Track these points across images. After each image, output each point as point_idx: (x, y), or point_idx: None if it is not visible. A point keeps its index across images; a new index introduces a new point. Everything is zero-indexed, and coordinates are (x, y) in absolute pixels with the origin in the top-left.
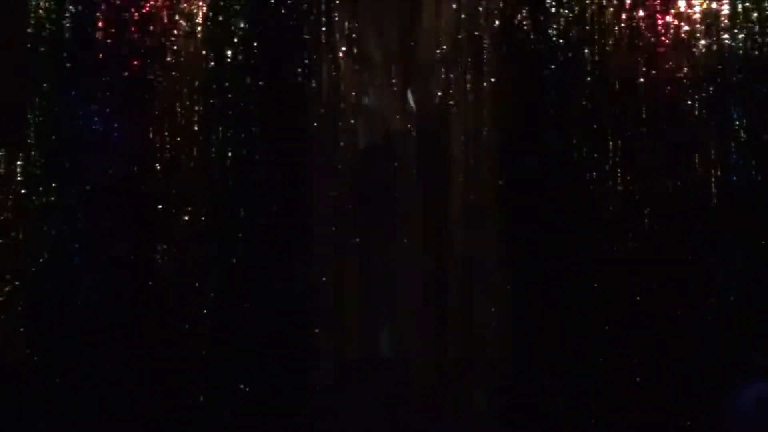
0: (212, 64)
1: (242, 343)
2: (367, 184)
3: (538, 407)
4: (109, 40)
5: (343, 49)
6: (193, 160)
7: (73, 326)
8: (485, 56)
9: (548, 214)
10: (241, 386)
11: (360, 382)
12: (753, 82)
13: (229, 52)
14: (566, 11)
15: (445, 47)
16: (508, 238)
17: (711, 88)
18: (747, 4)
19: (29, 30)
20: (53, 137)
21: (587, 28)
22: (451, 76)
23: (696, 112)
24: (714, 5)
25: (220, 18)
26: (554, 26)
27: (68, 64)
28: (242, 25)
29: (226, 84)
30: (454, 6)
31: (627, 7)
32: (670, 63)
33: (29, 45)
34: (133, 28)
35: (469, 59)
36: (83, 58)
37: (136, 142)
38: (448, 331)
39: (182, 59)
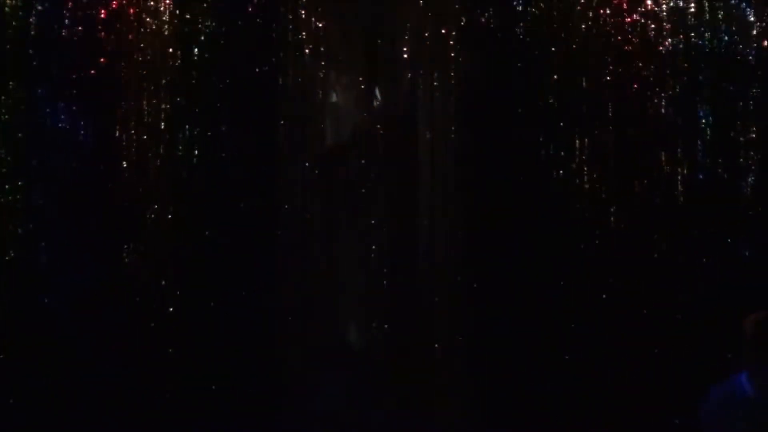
0: (179, 62)
1: (210, 341)
2: (334, 181)
3: (501, 403)
4: (75, 38)
5: (310, 47)
6: (159, 158)
7: (39, 324)
8: (452, 54)
9: (515, 211)
10: (208, 383)
11: (328, 381)
12: (719, 80)
13: (196, 50)
14: (533, 9)
15: (411, 45)
16: (475, 235)
17: (677, 87)
18: (713, 3)
19: None
20: (19, 135)
21: (554, 26)
22: (418, 74)
23: (663, 111)
24: (681, 4)
25: (187, 16)
26: (521, 24)
27: (34, 63)
28: (209, 23)
29: (193, 82)
30: (420, 4)
31: (594, 5)
32: (637, 61)
33: None
34: (99, 26)
35: (436, 57)
36: (50, 56)
37: (103, 140)
38: (414, 326)
39: (149, 57)
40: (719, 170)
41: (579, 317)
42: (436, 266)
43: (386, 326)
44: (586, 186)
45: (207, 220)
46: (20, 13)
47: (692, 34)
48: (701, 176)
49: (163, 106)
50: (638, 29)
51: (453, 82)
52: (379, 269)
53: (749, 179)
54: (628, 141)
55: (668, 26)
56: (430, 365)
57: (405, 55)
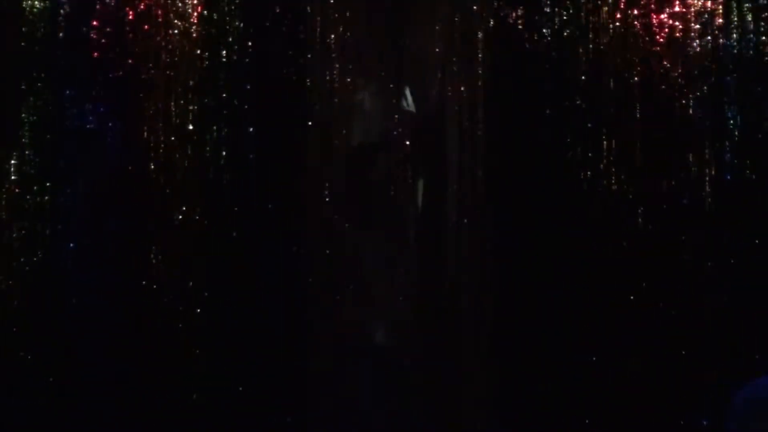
0: (207, 63)
1: (237, 342)
2: (362, 183)
3: (526, 404)
4: (103, 40)
5: (338, 48)
6: (187, 160)
7: (67, 326)
8: (480, 55)
9: (542, 212)
10: (236, 385)
11: (353, 384)
12: (747, 81)
13: (224, 51)
14: (561, 10)
15: (439, 47)
16: (502, 236)
17: (705, 88)
18: (741, 3)
19: (23, 29)
20: (48, 137)
21: (582, 27)
22: (447, 75)
23: (690, 111)
24: (709, 5)
25: (215, 17)
26: (549, 25)
27: (62, 64)
28: (236, 24)
29: (221, 83)
30: (448, 5)
31: (621, 6)
32: (665, 62)
33: (23, 44)
34: (127, 28)
35: (464, 58)
36: (78, 58)
37: (131, 141)
38: (440, 330)
39: (177, 58)
40: (747, 171)
41: (606, 319)
42: (464, 266)
43: (413, 328)
44: (614, 187)
45: (235, 221)
46: (48, 14)
47: (720, 35)
48: (729, 177)
49: (191, 108)
50: (666, 30)
51: (481, 83)
52: (407, 271)
53: None
54: (656, 142)
55: (696, 27)
56: (456, 367)
57: (434, 57)
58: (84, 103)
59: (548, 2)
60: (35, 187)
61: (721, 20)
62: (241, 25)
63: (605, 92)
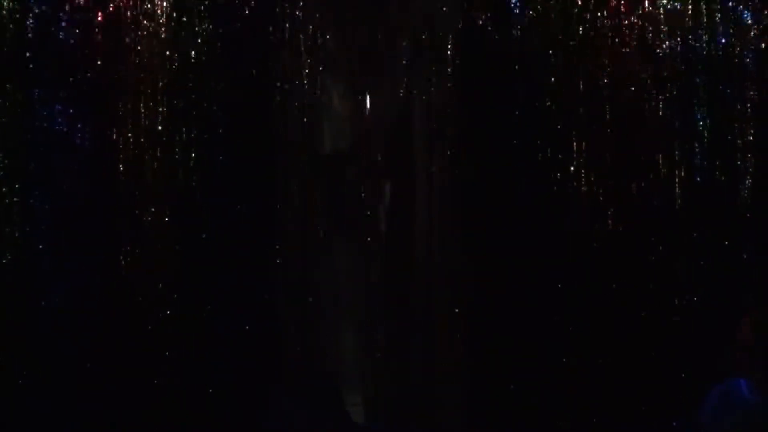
0: (176, 64)
1: (207, 344)
2: (332, 185)
3: (499, 405)
4: (72, 41)
5: (308, 50)
6: (156, 161)
7: (37, 328)
8: (448, 57)
9: (512, 214)
10: (205, 387)
11: (324, 386)
12: (716, 83)
13: (193, 53)
14: (530, 12)
15: (408, 48)
16: (472, 238)
17: (674, 90)
18: (711, 5)
19: None
20: (17, 138)
21: (551, 29)
22: (415, 77)
23: (660, 113)
24: (678, 6)
25: (184, 18)
26: (518, 27)
27: (31, 65)
28: (206, 26)
29: (190, 85)
30: (417, 6)
31: (591, 7)
32: (634, 64)
33: None
34: (96, 29)
35: (433, 60)
36: (47, 59)
37: (100, 143)
38: (412, 331)
39: (146, 60)
40: (717, 173)
41: (577, 320)
42: (434, 269)
43: (385, 330)
44: (584, 188)
45: (204, 223)
46: (17, 15)
47: (690, 37)
48: (699, 179)
49: (160, 109)
50: (636, 31)
51: (450, 85)
52: (378, 273)
53: (747, 182)
54: (626, 143)
55: (665, 29)
56: (429, 371)
57: (403, 59)
58: (53, 104)
59: (517, 4)
60: (3, 189)
61: (690, 22)
62: (211, 26)
63: (575, 94)
